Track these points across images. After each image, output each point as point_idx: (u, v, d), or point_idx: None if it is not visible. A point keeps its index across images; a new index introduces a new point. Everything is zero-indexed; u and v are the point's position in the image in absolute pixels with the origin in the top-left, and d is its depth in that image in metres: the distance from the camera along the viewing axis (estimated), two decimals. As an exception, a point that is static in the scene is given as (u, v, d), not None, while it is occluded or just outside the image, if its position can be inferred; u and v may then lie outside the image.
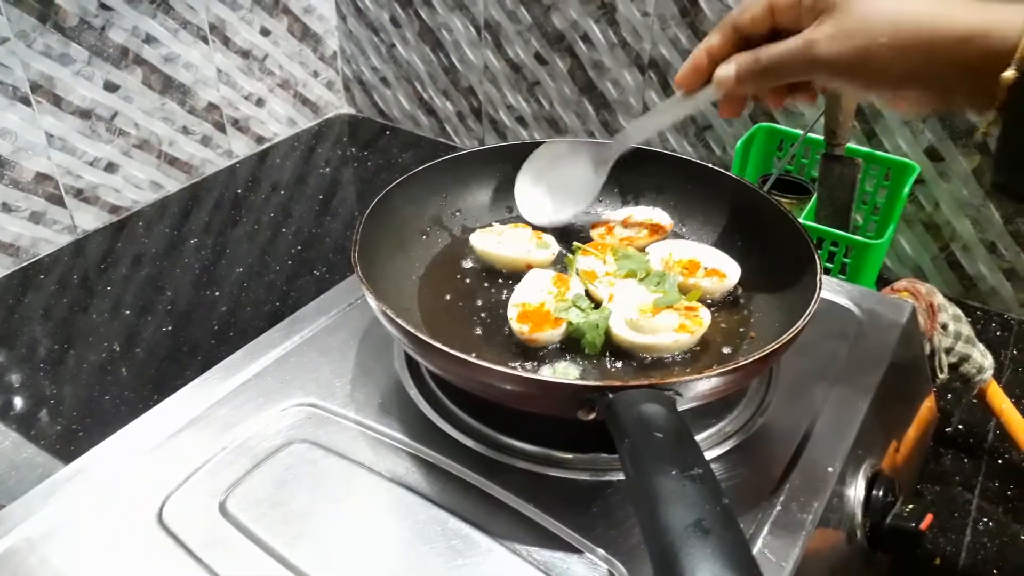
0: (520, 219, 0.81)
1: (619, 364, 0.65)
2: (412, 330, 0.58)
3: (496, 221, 0.81)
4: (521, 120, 1.52)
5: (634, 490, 0.45)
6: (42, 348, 1.07)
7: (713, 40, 0.62)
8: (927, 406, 0.85)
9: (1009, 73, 0.48)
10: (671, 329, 0.65)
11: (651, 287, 0.69)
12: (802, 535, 0.56)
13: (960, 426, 0.99)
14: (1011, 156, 0.53)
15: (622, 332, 0.65)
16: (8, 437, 0.94)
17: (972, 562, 0.82)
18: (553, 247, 0.76)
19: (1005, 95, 0.49)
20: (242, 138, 1.53)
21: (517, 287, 0.71)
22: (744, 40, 0.60)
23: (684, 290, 0.69)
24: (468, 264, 0.77)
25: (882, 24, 0.53)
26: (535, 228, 0.78)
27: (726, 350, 0.67)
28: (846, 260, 1.05)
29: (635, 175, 0.83)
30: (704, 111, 1.32)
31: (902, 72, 0.53)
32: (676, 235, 0.80)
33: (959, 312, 0.91)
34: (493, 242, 0.75)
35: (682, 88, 0.65)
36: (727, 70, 0.60)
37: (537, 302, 0.67)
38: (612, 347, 0.67)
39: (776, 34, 0.59)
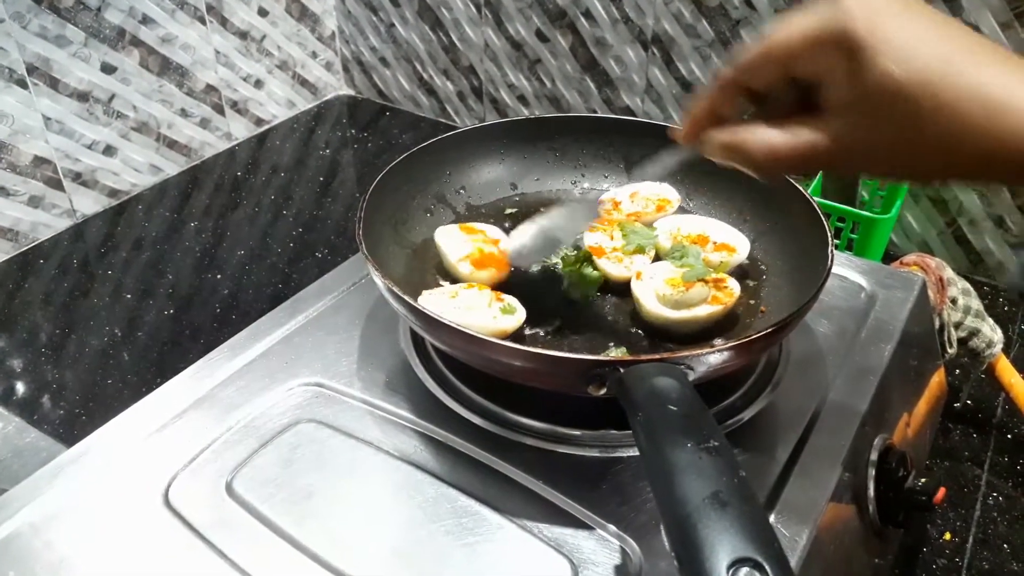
0: (474, 279, 0.70)
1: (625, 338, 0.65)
2: (419, 307, 0.57)
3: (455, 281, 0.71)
4: (522, 99, 1.51)
5: (649, 464, 0.44)
6: (43, 333, 1.07)
7: (714, 98, 0.50)
8: (936, 381, 0.84)
9: None
10: (704, 301, 0.64)
11: (676, 262, 0.68)
12: (815, 510, 0.56)
13: (969, 401, 0.98)
14: None
15: (655, 308, 0.64)
16: (11, 422, 0.93)
17: (982, 537, 0.82)
18: (520, 313, 0.65)
19: None
20: (241, 120, 1.52)
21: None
22: (753, 97, 0.49)
23: (706, 264, 0.69)
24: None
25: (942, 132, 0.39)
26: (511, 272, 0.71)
27: (736, 324, 0.67)
28: (853, 236, 1.04)
29: (640, 150, 0.82)
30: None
31: (956, 174, 0.42)
32: (683, 210, 0.79)
33: (968, 286, 0.90)
34: (448, 307, 0.64)
35: (683, 144, 0.54)
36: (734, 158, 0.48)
37: None
38: (642, 324, 0.66)
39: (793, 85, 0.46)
